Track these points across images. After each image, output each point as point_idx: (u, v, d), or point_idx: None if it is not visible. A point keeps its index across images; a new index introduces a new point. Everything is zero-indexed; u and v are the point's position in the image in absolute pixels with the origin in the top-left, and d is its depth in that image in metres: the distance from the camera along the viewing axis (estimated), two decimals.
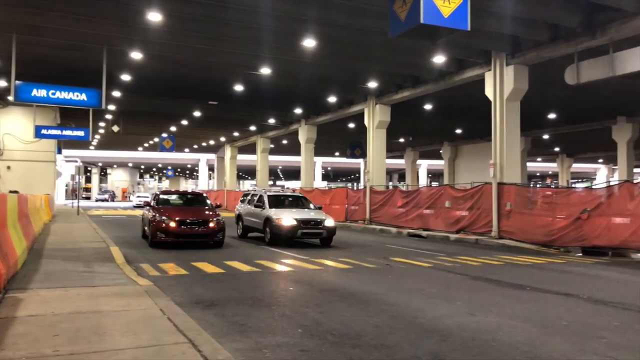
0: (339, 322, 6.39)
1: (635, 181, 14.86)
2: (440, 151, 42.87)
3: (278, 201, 16.75)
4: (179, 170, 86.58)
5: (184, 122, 34.65)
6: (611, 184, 16.05)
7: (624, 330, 6.18)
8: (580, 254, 14.35)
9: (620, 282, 10.02)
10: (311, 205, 16.92)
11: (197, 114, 30.83)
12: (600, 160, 58.95)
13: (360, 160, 47.41)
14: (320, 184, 61.49)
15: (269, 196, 16.75)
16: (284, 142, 43.08)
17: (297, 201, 17.26)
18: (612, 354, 5.19)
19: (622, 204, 13.87)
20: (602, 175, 63.86)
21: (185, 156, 63.75)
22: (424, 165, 65.02)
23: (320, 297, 8.00)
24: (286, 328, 6.05)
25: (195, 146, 53.73)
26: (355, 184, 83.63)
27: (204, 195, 17.94)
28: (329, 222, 15.30)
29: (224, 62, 19.82)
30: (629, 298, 8.20)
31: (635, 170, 41.36)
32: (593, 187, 20.09)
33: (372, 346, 5.36)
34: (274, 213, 15.39)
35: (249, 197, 18.23)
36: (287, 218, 14.95)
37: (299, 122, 32.23)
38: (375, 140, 25.05)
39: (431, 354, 5.11)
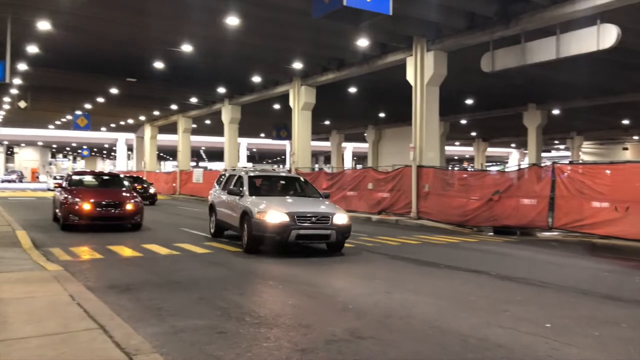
0: (258, 303, 6.38)
1: (542, 164, 15.86)
2: (365, 134, 43.63)
3: (264, 185, 12.20)
4: (95, 150, 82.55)
5: (100, 99, 32.92)
6: (521, 167, 17.03)
7: (526, 304, 6.61)
8: (492, 233, 15.18)
9: (525, 259, 10.70)
10: (314, 193, 12.10)
11: (114, 91, 29.38)
12: (513, 145, 62.44)
13: (286, 142, 47.31)
14: (245, 165, 60.84)
15: (250, 178, 11.82)
16: (207, 122, 42.08)
17: (293, 185, 12.59)
18: (514, 326, 5.53)
19: (530, 186, 14.76)
20: (514, 159, 67.75)
21: (102, 135, 60.79)
22: (349, 147, 65.98)
23: (240, 280, 7.94)
24: (204, 311, 5.95)
25: (113, 125, 51.31)
26: (281, 166, 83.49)
27: (121, 176, 17.22)
28: (341, 218, 10.47)
29: (143, 37, 18.96)
30: (532, 274, 8.78)
31: (543, 154, 44.17)
32: (505, 170, 21.24)
33: (289, 326, 5.40)
34: (254, 203, 10.54)
35: (224, 180, 13.26)
36: (274, 212, 10.03)
37: (223, 101, 31.57)
38: (301, 121, 25.03)
39: (347, 331, 5.21)
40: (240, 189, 11.56)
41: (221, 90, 29.13)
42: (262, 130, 50.28)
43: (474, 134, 48.61)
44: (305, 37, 18.29)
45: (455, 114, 34.35)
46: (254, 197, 11.04)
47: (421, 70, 17.88)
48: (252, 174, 12.17)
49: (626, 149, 46.25)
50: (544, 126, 31.83)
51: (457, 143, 58.64)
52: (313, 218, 10.19)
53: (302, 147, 25.25)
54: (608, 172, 13.23)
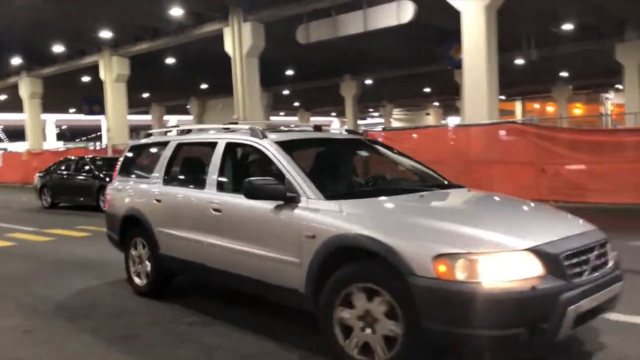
0: (74, 294, 5.88)
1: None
2: (188, 106, 42.32)
3: (324, 167, 4.64)
4: None
5: None
6: None
7: None
8: None
9: None
10: (427, 176, 4.97)
11: None
12: (334, 114, 65.63)
13: (101, 117, 43.74)
14: (55, 144, 55.04)
15: (284, 146, 4.32)
16: (3, 97, 36.98)
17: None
18: None
19: None
20: (335, 127, 71.64)
21: None
22: (173, 120, 63.36)
23: (53, 270, 7.21)
24: (6, 310, 5.30)
25: None
26: (97, 144, 77.08)
27: None
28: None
29: None
30: None
31: (360, 122, 47.30)
32: None
33: (110, 314, 5.07)
34: (408, 227, 3.41)
35: (166, 157, 5.71)
36: (514, 250, 3.11)
37: (19, 74, 27.87)
38: (115, 95, 23.32)
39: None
40: (291, 180, 3.98)
41: (16, 61, 25.62)
42: (72, 105, 45.79)
43: (297, 104, 50.09)
44: (113, 2, 16.85)
45: (278, 85, 34.91)
46: (347, 202, 3.79)
47: (239, 41, 17.74)
48: (281, 138, 4.53)
49: (428, 114, 51.72)
50: (359, 96, 33.99)
51: (282, 113, 59.78)
52: (588, 254, 3.40)
53: (118, 122, 23.67)
54: (415, 136, 14.60)
